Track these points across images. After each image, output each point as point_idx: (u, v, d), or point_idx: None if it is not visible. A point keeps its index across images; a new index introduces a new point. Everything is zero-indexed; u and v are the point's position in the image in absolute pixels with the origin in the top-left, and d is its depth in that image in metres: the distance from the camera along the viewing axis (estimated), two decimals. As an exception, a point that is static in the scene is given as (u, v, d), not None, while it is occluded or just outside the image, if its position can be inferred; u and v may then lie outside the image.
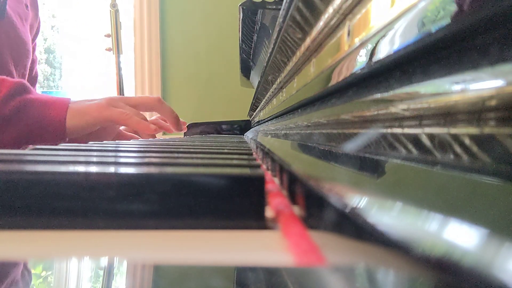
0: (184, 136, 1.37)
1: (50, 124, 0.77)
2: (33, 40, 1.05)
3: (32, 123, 0.76)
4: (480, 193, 0.09)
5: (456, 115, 0.11)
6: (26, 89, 0.77)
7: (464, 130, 0.10)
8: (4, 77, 0.77)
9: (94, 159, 0.27)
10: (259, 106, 0.97)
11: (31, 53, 1.00)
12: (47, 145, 0.39)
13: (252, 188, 0.19)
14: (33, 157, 0.27)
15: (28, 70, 0.99)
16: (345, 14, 0.22)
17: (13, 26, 0.91)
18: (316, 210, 0.18)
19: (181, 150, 0.40)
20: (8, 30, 0.90)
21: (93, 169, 0.20)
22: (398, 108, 0.15)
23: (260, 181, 0.20)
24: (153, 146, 0.46)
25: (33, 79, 1.07)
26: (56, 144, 0.85)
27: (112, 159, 0.28)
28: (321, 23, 0.27)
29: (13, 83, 0.76)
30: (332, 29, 0.25)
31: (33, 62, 1.06)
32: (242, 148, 0.44)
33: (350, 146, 0.19)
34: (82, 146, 0.41)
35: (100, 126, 0.83)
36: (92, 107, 0.81)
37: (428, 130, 0.12)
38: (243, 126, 1.47)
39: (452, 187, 0.10)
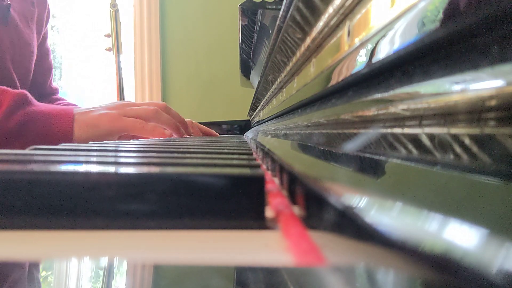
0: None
1: (56, 138, 0.75)
2: (44, 28, 1.03)
3: (38, 137, 0.74)
4: (480, 193, 0.09)
5: (456, 115, 0.11)
6: (28, 101, 0.75)
7: (464, 130, 0.10)
8: (4, 88, 0.75)
9: (94, 159, 0.27)
10: (259, 106, 0.97)
11: (35, 54, 0.99)
12: (46, 146, 0.39)
13: (252, 188, 0.19)
14: (33, 157, 0.27)
15: (31, 70, 0.98)
16: (345, 14, 0.22)
17: (17, 30, 0.90)
18: (316, 210, 0.18)
19: (181, 150, 0.40)
20: (12, 35, 0.89)
21: (93, 169, 0.20)
22: (398, 108, 0.15)
23: (260, 181, 0.20)
24: (153, 146, 0.46)
25: (46, 71, 1.05)
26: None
27: (112, 159, 0.28)
28: (321, 23, 0.27)
29: (15, 95, 0.74)
30: (332, 29, 0.25)
31: (47, 52, 1.04)
32: (242, 148, 0.44)
33: (350, 146, 0.19)
34: (82, 146, 0.41)
35: (113, 137, 0.82)
36: (103, 119, 0.79)
37: (428, 130, 0.12)
38: (243, 126, 1.47)
39: (452, 187, 0.10)
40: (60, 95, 1.18)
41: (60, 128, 0.75)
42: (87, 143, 0.77)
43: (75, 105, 1.02)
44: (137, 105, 0.87)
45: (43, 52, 1.03)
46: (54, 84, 1.15)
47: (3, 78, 0.87)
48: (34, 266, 0.14)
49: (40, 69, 1.02)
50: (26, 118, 0.73)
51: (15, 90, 0.75)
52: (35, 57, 0.98)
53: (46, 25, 1.04)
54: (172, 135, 0.87)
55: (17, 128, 0.72)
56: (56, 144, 0.74)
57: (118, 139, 0.92)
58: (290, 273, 0.12)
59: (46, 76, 1.07)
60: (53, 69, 1.11)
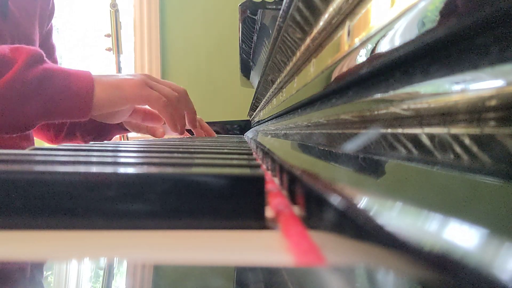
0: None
1: (77, 96, 0.68)
2: (48, 23, 0.98)
3: (56, 95, 0.68)
4: (480, 193, 0.09)
5: (456, 115, 0.11)
6: (43, 59, 0.70)
7: (464, 130, 0.10)
8: (18, 45, 0.69)
9: (94, 159, 0.27)
10: (259, 106, 0.97)
11: (46, 42, 0.96)
12: (46, 146, 0.39)
13: (252, 188, 0.19)
14: (33, 157, 0.27)
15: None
16: (345, 14, 0.22)
17: (17, 23, 0.88)
18: (316, 210, 0.18)
19: (181, 150, 0.40)
20: (12, 30, 0.86)
21: (93, 169, 0.20)
22: (398, 108, 0.15)
23: (260, 181, 0.20)
24: (153, 146, 0.46)
25: None
26: (79, 121, 0.77)
27: (112, 159, 0.28)
28: (321, 23, 0.27)
29: (32, 50, 0.68)
30: (332, 29, 0.25)
31: (52, 48, 0.99)
32: (242, 148, 0.44)
33: (350, 146, 0.19)
34: (82, 146, 0.41)
35: (131, 105, 0.77)
36: (127, 82, 0.72)
37: (428, 130, 0.12)
38: (243, 126, 1.47)
39: (452, 187, 0.10)
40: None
41: (80, 86, 0.69)
42: (106, 108, 0.72)
43: None
44: (161, 81, 0.80)
45: (48, 48, 0.98)
46: None
47: None
48: (37, 270, 0.14)
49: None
50: (44, 73, 0.67)
51: (30, 47, 0.69)
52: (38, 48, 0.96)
53: (50, 20, 0.99)
54: (183, 128, 0.83)
55: (35, 82, 0.66)
56: (74, 105, 0.69)
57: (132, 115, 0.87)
58: (290, 273, 0.12)
59: None
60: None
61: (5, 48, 0.67)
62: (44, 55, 0.70)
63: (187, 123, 0.86)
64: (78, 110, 0.69)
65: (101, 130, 0.94)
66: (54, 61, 1.02)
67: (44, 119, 0.70)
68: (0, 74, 0.64)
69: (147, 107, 0.86)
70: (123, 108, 0.75)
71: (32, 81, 0.65)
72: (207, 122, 1.11)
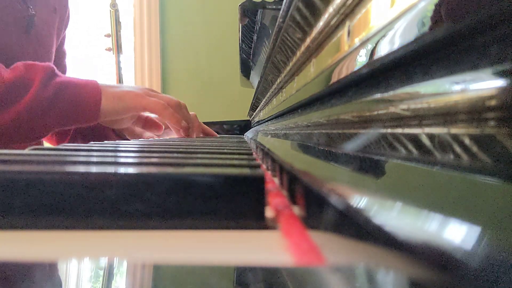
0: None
1: (86, 106, 0.78)
2: (63, 32, 1.04)
3: (69, 106, 0.77)
4: (480, 193, 0.09)
5: (456, 115, 0.11)
6: (55, 73, 0.79)
7: (464, 130, 0.10)
8: (30, 62, 0.78)
9: (94, 159, 0.27)
10: (259, 106, 0.97)
11: (53, 58, 0.99)
12: (46, 146, 0.39)
13: (252, 188, 0.19)
14: (33, 157, 0.27)
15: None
16: (345, 14, 0.22)
17: (39, 38, 0.91)
18: (316, 210, 0.18)
19: (181, 150, 0.40)
20: (34, 45, 0.90)
21: (93, 169, 0.20)
22: (398, 108, 0.15)
23: (260, 181, 0.20)
24: (153, 146, 0.46)
25: (62, 72, 1.06)
26: (87, 127, 0.87)
27: (112, 159, 0.28)
28: (321, 23, 0.27)
29: (47, 67, 0.77)
30: (332, 29, 0.25)
31: (63, 55, 1.05)
32: (242, 148, 0.44)
33: (350, 146, 0.19)
34: (82, 146, 0.41)
35: (133, 114, 0.86)
36: (130, 94, 0.83)
37: (428, 130, 0.12)
38: (243, 126, 1.47)
39: (452, 187, 0.10)
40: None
41: (89, 97, 0.78)
42: (111, 116, 0.82)
43: None
44: (160, 95, 0.90)
45: (60, 55, 1.04)
46: None
47: None
48: (54, 267, 0.14)
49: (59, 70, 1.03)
50: (59, 87, 0.76)
51: (42, 63, 0.78)
52: (52, 61, 0.99)
53: (65, 29, 1.06)
54: (184, 132, 0.89)
55: (53, 96, 0.75)
56: (84, 114, 0.78)
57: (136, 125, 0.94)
58: (290, 273, 0.12)
59: None
60: (66, 73, 1.11)
61: (20, 68, 0.76)
62: (55, 68, 0.79)
63: (182, 133, 0.93)
64: (87, 117, 0.79)
65: (102, 138, 0.97)
66: (64, 66, 1.08)
67: (58, 127, 0.79)
68: (20, 96, 0.73)
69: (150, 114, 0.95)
70: (125, 116, 0.85)
71: (48, 97, 0.75)
72: (207, 122, 1.12)
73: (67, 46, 1.10)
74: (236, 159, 0.32)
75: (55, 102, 0.76)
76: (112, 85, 0.85)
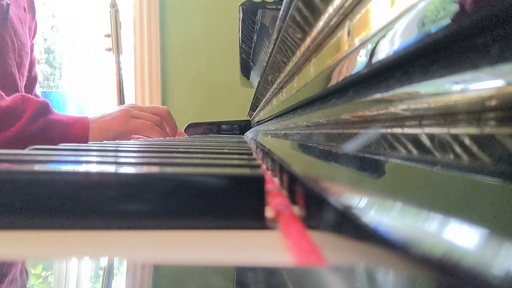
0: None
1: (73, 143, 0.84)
2: (31, 41, 1.08)
3: (56, 143, 0.79)
4: (480, 193, 0.09)
5: (456, 115, 0.11)
6: (48, 109, 0.84)
7: (464, 130, 0.10)
8: (28, 95, 0.84)
9: (94, 159, 0.27)
10: (259, 106, 0.97)
11: (30, 55, 1.02)
12: (46, 146, 0.39)
13: (252, 188, 0.19)
14: (33, 157, 0.27)
15: (27, 71, 1.01)
16: (345, 14, 0.22)
17: (15, 30, 0.95)
18: (316, 210, 0.18)
19: (181, 150, 0.40)
20: (11, 35, 0.95)
21: (93, 169, 0.20)
22: (398, 108, 0.15)
23: (260, 181, 0.20)
24: (153, 146, 0.46)
25: (32, 80, 1.10)
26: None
27: (112, 159, 0.28)
28: (321, 23, 0.27)
29: (39, 103, 0.83)
30: (332, 29, 0.25)
31: (32, 63, 1.09)
32: (242, 148, 0.44)
33: (350, 146, 0.19)
34: (82, 146, 0.41)
35: (124, 138, 0.90)
36: (114, 122, 0.88)
37: (428, 130, 0.12)
38: (243, 126, 1.47)
39: (452, 187, 0.10)
40: (60, 95, 1.20)
41: (76, 135, 0.84)
42: None
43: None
44: (143, 108, 0.95)
45: (31, 62, 1.08)
46: (37, 93, 1.21)
47: (7, 77, 0.91)
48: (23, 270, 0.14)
49: (28, 78, 1.06)
50: (47, 124, 0.82)
51: (38, 99, 0.85)
52: (29, 59, 1.02)
53: (34, 37, 1.10)
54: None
55: (39, 132, 0.81)
56: None
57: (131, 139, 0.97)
58: (290, 273, 0.12)
59: (32, 85, 1.11)
60: (37, 81, 1.15)
61: (17, 98, 0.82)
62: (50, 104, 0.85)
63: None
64: None
65: None
66: (35, 74, 1.12)
67: None
68: (9, 125, 0.79)
69: None
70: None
71: (35, 133, 0.80)
72: (207, 122, 1.14)
73: (67, 47, 1.13)
74: (236, 159, 0.32)
75: (41, 138, 0.81)
76: (99, 117, 0.90)
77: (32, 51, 1.09)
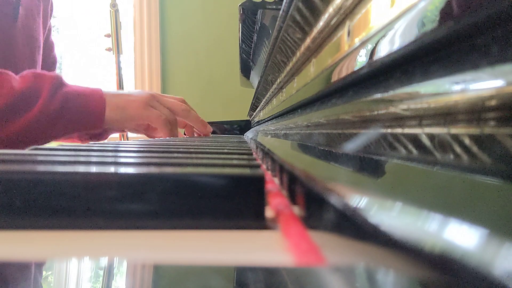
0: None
1: (90, 116, 0.82)
2: (49, 20, 1.06)
3: (74, 116, 0.81)
4: (480, 193, 0.09)
5: (456, 115, 0.11)
6: (63, 82, 0.82)
7: (464, 130, 0.10)
8: (39, 72, 0.82)
9: (94, 159, 0.27)
10: (259, 106, 0.97)
11: (41, 48, 1.01)
12: (46, 146, 0.39)
13: (252, 188, 0.19)
14: (33, 157, 0.27)
15: (39, 63, 1.00)
16: (345, 14, 0.22)
17: (25, 25, 0.94)
18: (316, 210, 0.18)
19: (181, 150, 0.40)
20: (22, 32, 0.93)
21: (93, 169, 0.20)
22: (398, 108, 0.15)
23: (260, 181, 0.20)
24: (153, 146, 0.46)
25: (51, 64, 1.09)
26: (92, 134, 0.92)
27: (112, 159, 0.28)
28: (321, 23, 0.27)
29: (53, 77, 0.81)
30: (332, 29, 0.25)
31: (51, 46, 1.08)
32: (242, 148, 0.44)
33: (350, 146, 0.19)
34: (82, 146, 0.41)
35: (135, 123, 0.89)
36: (133, 104, 0.86)
37: (428, 130, 0.12)
38: (243, 126, 1.47)
39: (452, 187, 0.10)
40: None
41: (94, 107, 0.82)
42: (114, 125, 0.85)
43: None
44: (163, 101, 0.92)
45: (48, 46, 1.07)
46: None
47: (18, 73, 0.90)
48: (38, 270, 0.14)
49: (44, 64, 1.05)
50: (66, 97, 0.80)
51: (50, 73, 0.82)
52: (41, 51, 1.01)
53: (50, 18, 1.08)
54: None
55: (59, 108, 0.79)
56: (89, 123, 0.82)
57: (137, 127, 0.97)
58: (290, 273, 0.12)
59: (51, 70, 1.09)
60: (57, 63, 1.13)
61: (29, 77, 0.79)
62: (62, 77, 0.83)
63: (197, 133, 1.00)
64: (92, 125, 0.84)
65: (98, 133, 0.99)
66: (53, 57, 1.10)
67: (64, 134, 0.83)
68: (30, 106, 0.78)
69: None
70: (128, 125, 0.90)
71: (55, 109, 0.79)
72: (207, 122, 1.12)
73: (67, 46, 1.12)
74: (236, 159, 0.32)
75: (62, 113, 0.80)
76: (116, 93, 0.88)
77: (50, 32, 1.08)
